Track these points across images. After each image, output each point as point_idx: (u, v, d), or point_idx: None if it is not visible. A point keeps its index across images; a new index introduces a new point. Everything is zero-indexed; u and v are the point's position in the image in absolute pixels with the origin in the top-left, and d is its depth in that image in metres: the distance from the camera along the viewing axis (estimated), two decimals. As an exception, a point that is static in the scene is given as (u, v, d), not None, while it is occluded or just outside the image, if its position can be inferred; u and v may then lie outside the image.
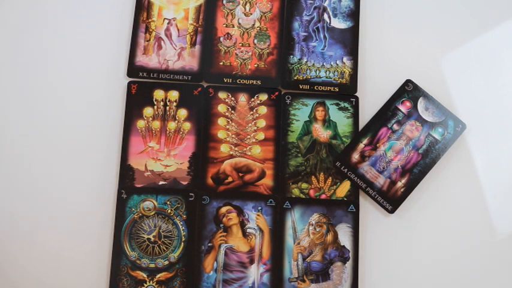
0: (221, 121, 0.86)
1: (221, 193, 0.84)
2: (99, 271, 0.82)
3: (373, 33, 0.90)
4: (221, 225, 0.83)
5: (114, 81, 0.88)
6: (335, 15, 0.90)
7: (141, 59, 0.88)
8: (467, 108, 0.88)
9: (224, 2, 0.90)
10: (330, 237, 0.83)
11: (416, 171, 0.84)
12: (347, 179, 0.85)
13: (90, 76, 0.88)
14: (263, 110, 0.87)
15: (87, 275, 0.82)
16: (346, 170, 0.85)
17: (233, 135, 0.86)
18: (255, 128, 0.86)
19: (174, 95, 0.86)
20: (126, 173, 0.84)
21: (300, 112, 0.87)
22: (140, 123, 0.86)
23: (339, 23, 0.90)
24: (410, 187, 0.84)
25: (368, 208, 0.85)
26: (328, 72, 0.88)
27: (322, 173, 0.85)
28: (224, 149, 0.85)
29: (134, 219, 0.83)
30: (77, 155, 0.85)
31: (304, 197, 0.84)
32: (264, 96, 0.87)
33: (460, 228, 0.85)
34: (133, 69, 0.87)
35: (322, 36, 0.89)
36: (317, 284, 0.82)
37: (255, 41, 0.89)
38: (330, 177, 0.85)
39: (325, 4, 0.90)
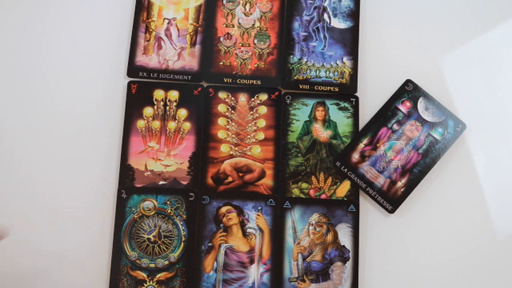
0: (221, 121, 0.86)
1: (221, 193, 0.84)
2: (99, 271, 0.82)
3: (373, 33, 0.90)
4: (221, 225, 0.83)
5: (114, 81, 0.88)
6: (335, 15, 0.90)
7: (141, 59, 0.88)
8: (467, 108, 0.88)
9: (224, 2, 0.90)
10: (330, 237, 0.83)
11: (416, 171, 0.84)
12: (347, 179, 0.85)
13: (90, 76, 0.88)
14: (263, 110, 0.87)
15: (87, 274, 0.82)
16: (346, 170, 0.85)
17: (233, 135, 0.86)
18: (255, 128, 0.86)
19: (174, 95, 0.86)
20: (126, 173, 0.84)
21: (300, 112, 0.87)
22: (140, 123, 0.86)
23: (339, 23, 0.90)
24: (410, 187, 0.84)
25: (368, 208, 0.85)
26: (328, 72, 0.88)
27: (322, 173, 0.85)
28: (224, 148, 0.85)
29: (134, 219, 0.83)
30: (76, 154, 0.85)
31: (304, 197, 0.84)
32: (264, 96, 0.87)
33: (460, 228, 0.85)
34: (133, 69, 0.87)
35: (322, 36, 0.89)
36: (317, 284, 0.82)
37: (255, 41, 0.89)
38: (330, 177, 0.85)
39: (325, 4, 0.90)
